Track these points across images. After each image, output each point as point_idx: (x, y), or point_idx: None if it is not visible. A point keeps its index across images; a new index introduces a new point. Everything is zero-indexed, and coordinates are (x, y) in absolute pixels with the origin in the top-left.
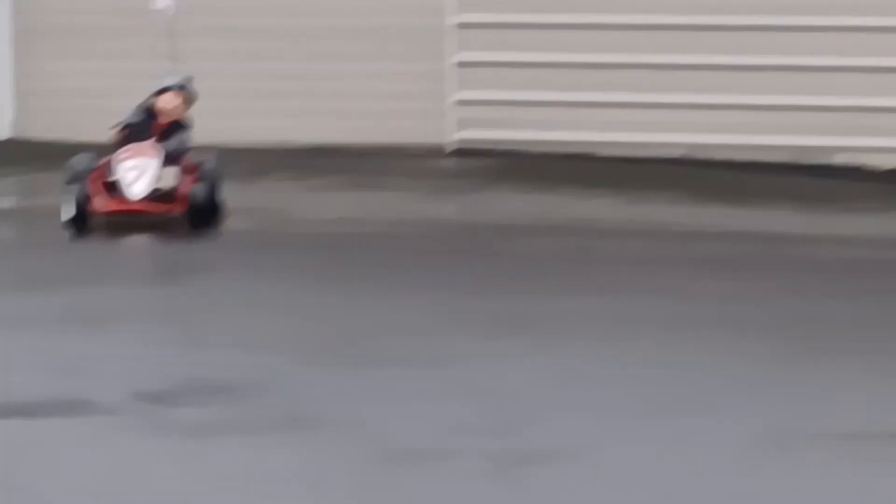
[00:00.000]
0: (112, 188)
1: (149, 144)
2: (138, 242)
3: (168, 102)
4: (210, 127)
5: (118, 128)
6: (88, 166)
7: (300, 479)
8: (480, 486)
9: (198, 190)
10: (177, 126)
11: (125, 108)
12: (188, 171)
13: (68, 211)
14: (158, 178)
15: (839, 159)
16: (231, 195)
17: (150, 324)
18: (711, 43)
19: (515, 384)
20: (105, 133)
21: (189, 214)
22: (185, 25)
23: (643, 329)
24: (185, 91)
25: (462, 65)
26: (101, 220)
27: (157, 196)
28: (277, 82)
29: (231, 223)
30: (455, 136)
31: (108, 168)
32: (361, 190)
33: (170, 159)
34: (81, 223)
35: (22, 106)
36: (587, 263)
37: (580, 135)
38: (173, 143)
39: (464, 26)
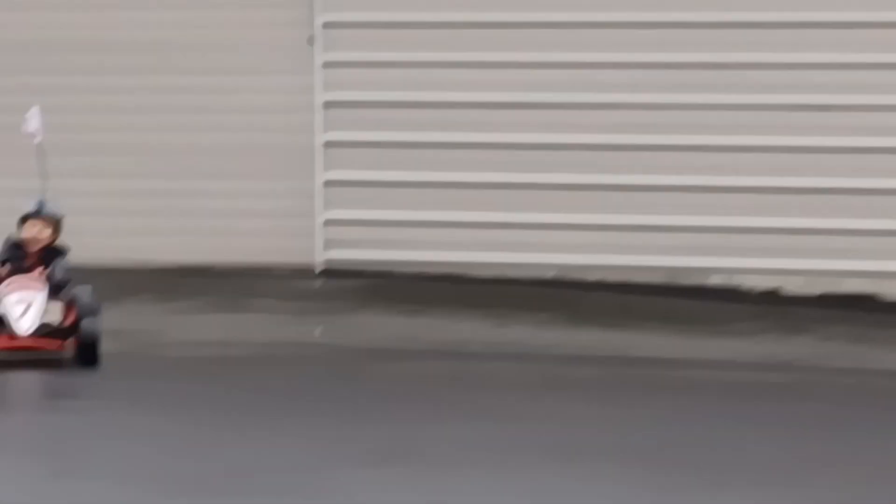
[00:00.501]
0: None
1: (33, 276)
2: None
3: (34, 231)
4: (72, 245)
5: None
6: None
7: None
8: None
9: (87, 325)
10: (53, 253)
11: None
12: (67, 303)
13: None
14: (45, 312)
15: (715, 280)
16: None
17: (19, 454)
18: (583, 161)
19: None
20: None
21: (80, 351)
22: (50, 141)
23: (525, 458)
24: (48, 216)
25: (329, 184)
26: None
27: (44, 332)
28: (141, 200)
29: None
30: (323, 256)
31: None
32: (229, 312)
33: (54, 291)
34: None
35: None
36: (461, 388)
37: (450, 255)
38: (57, 273)
39: (331, 145)
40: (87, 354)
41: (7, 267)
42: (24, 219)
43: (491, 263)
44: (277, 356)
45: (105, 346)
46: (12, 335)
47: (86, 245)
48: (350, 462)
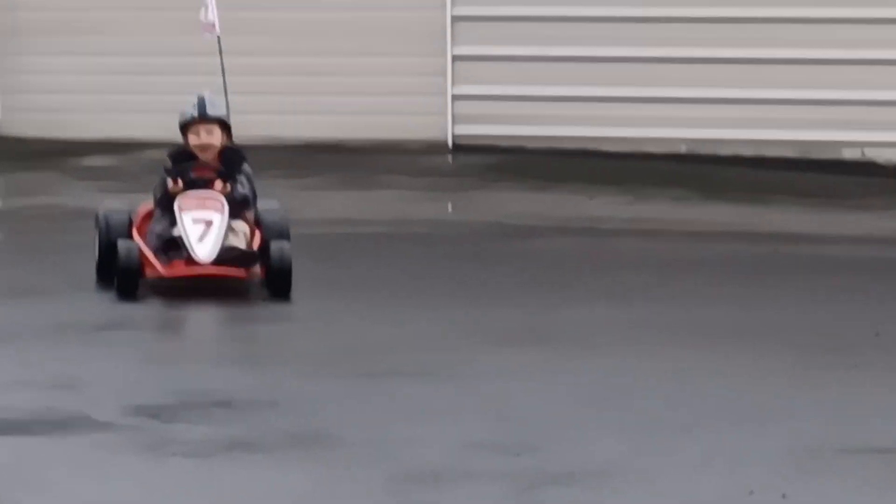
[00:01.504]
0: (169, 246)
1: (211, 192)
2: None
3: (203, 137)
4: None
5: (172, 180)
6: (126, 217)
7: (309, 501)
8: None
9: (278, 250)
10: (230, 160)
11: (112, 103)
12: (252, 222)
13: (112, 274)
14: (227, 235)
15: (848, 154)
16: None
17: (147, 335)
18: (714, 36)
19: (532, 400)
20: (93, 129)
21: (270, 279)
22: (178, 18)
23: (659, 338)
24: (214, 117)
25: (459, 59)
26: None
27: (228, 257)
28: (272, 77)
29: None
30: (454, 132)
31: (155, 220)
32: (360, 188)
33: (237, 209)
34: (131, 289)
35: (7, 103)
36: (595, 267)
37: (582, 130)
38: (239, 186)
39: (460, 19)
40: (279, 283)
41: (179, 182)
42: (187, 124)
43: (623, 138)
44: (409, 233)
45: None
46: (188, 261)
47: None
48: (488, 341)
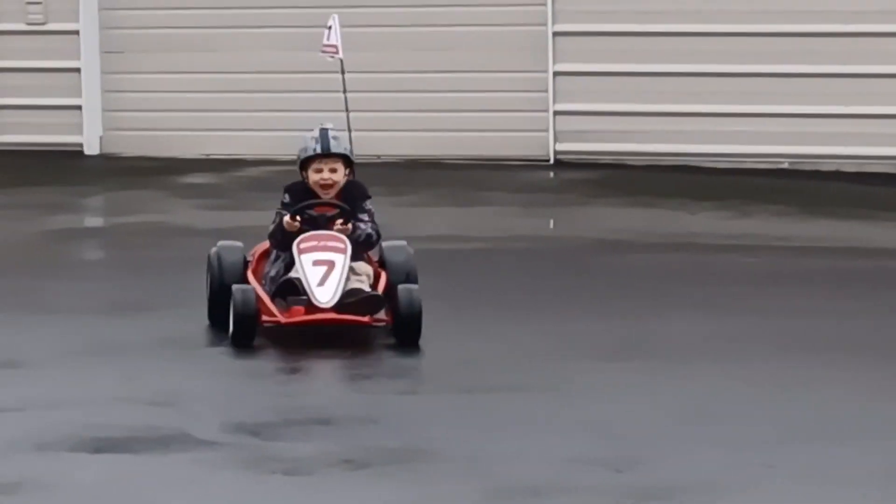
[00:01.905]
0: (287, 290)
1: (333, 233)
2: None
3: (324, 173)
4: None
5: (289, 217)
6: (241, 258)
7: None
8: None
9: (406, 293)
10: (351, 197)
11: (212, 121)
12: (375, 263)
13: (224, 318)
14: (349, 278)
15: None
16: None
17: (247, 352)
18: (815, 51)
19: (635, 413)
20: (193, 147)
21: (399, 326)
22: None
23: (762, 350)
24: (336, 152)
25: (561, 74)
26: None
27: (350, 302)
28: (374, 95)
29: None
30: (555, 147)
31: (270, 262)
32: (461, 205)
33: (359, 249)
34: (248, 337)
35: (108, 122)
36: (695, 281)
37: (683, 146)
38: (363, 227)
39: (562, 34)
40: (408, 330)
41: (297, 219)
42: (308, 159)
43: (724, 154)
44: (511, 249)
45: None
46: (311, 306)
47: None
48: (588, 356)
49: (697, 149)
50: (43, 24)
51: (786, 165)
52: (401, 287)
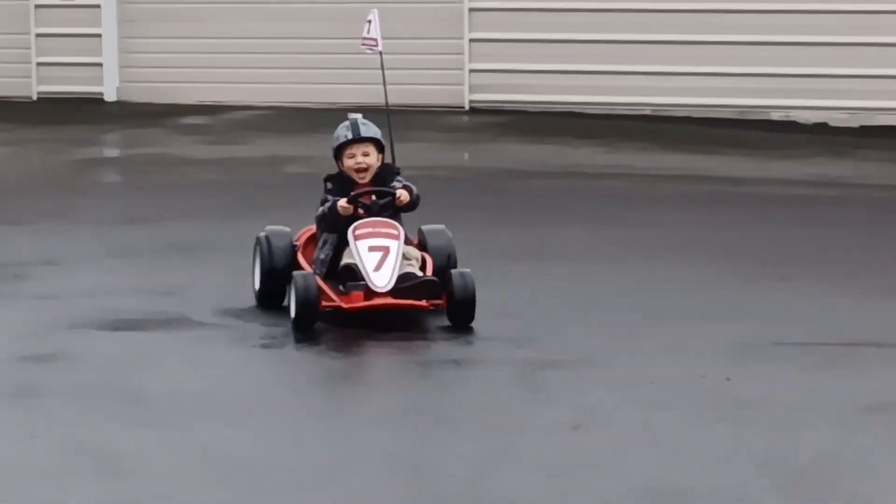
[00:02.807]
0: (344, 275)
1: (387, 220)
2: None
3: (358, 158)
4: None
5: (345, 201)
6: (289, 242)
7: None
8: (507, 389)
9: (460, 277)
10: (386, 181)
11: (203, 75)
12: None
13: (275, 299)
14: (403, 263)
15: (776, 116)
16: (291, 147)
17: (234, 253)
18: (678, 23)
19: (535, 301)
20: (189, 95)
21: (454, 309)
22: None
23: (633, 254)
24: (367, 137)
25: (475, 41)
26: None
27: (406, 286)
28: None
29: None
30: (470, 98)
31: (319, 247)
32: (396, 141)
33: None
34: (310, 323)
35: (125, 76)
36: (579, 200)
37: (569, 97)
38: (414, 189)
39: (476, 10)
40: (463, 312)
41: (356, 205)
42: (342, 146)
43: (601, 102)
44: (436, 176)
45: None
46: (369, 291)
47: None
48: (500, 258)
49: (580, 98)
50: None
51: (649, 112)
52: (455, 272)
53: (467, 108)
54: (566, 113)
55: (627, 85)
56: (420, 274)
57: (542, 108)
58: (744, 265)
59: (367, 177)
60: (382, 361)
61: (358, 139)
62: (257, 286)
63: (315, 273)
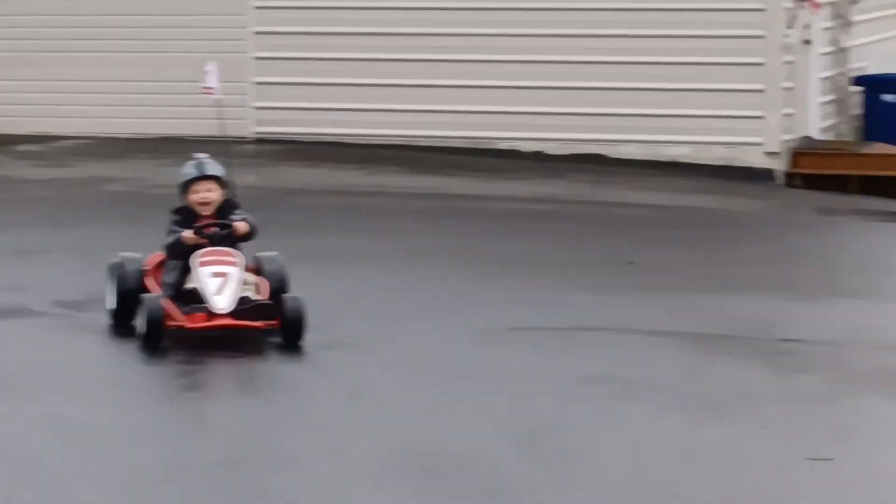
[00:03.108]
0: (187, 298)
1: (228, 249)
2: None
3: (203, 194)
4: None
5: (192, 232)
6: (139, 267)
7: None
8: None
9: (292, 302)
10: (225, 211)
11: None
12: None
13: (127, 319)
14: (242, 287)
15: (502, 145)
16: (110, 169)
17: (69, 256)
18: (414, 70)
19: (311, 298)
20: (22, 126)
21: (287, 329)
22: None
23: (393, 257)
24: (212, 175)
25: (260, 84)
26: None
27: (244, 309)
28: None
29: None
30: (256, 129)
31: (167, 271)
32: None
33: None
34: (157, 340)
35: None
36: (347, 214)
37: (335, 129)
38: (251, 221)
39: (260, 58)
40: (294, 333)
41: (202, 236)
42: (188, 183)
43: (362, 134)
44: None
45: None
46: (208, 313)
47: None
48: None
49: (347, 131)
50: None
51: (400, 142)
52: (287, 297)
53: (254, 139)
54: (333, 143)
55: (383, 120)
56: (256, 297)
57: (315, 138)
58: (479, 266)
59: (210, 209)
60: (195, 342)
61: (203, 176)
62: (112, 306)
63: (163, 295)
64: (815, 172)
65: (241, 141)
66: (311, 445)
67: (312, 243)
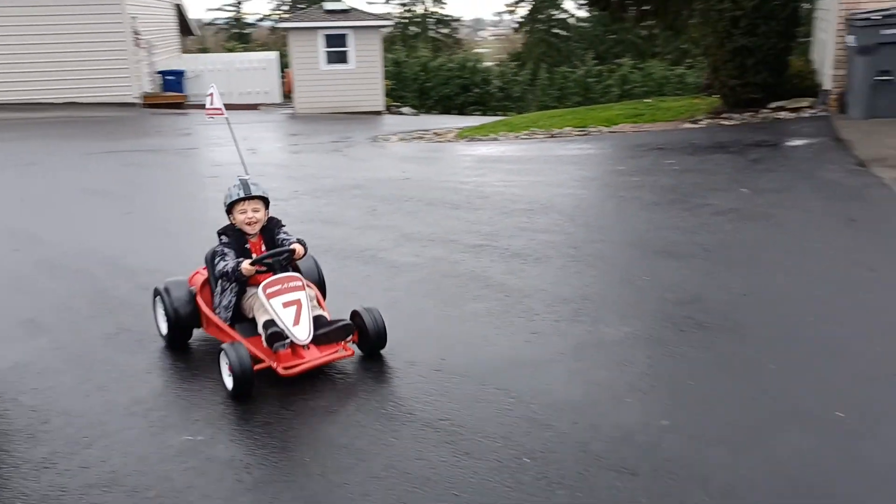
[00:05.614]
0: (274, 338)
1: (290, 274)
2: None
3: (249, 214)
4: None
5: (248, 264)
6: (187, 290)
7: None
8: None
9: (370, 316)
10: (272, 231)
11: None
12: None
13: (180, 339)
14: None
15: None
16: None
17: None
18: None
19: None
20: None
21: (369, 343)
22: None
23: None
24: (256, 195)
25: None
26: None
27: (324, 333)
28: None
29: None
30: None
31: (218, 293)
32: None
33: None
34: (248, 389)
35: None
36: None
37: None
38: (300, 242)
39: None
40: (377, 345)
41: (259, 265)
42: (234, 203)
43: None
44: None
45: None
46: (295, 350)
47: None
48: None
49: None
50: None
51: None
52: (362, 309)
53: None
54: None
55: None
56: (323, 312)
57: None
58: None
59: (257, 228)
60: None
61: (248, 197)
62: (164, 332)
63: (219, 317)
64: (152, 103)
65: None
66: None
67: None
